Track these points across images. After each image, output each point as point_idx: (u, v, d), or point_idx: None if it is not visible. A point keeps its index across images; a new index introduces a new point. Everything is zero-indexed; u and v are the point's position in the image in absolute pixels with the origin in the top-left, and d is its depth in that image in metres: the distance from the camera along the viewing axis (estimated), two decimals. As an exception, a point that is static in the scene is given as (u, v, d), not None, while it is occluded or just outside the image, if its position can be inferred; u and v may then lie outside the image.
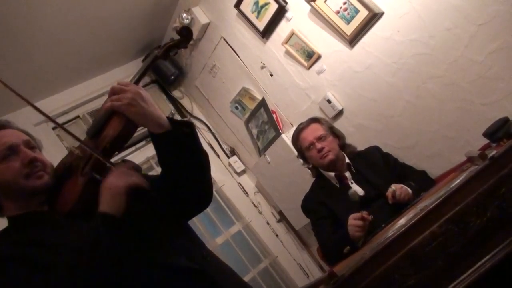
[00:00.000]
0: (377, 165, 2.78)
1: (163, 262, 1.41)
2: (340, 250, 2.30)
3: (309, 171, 3.00)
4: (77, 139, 1.47)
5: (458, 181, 1.36)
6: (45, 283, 1.23)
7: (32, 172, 1.43)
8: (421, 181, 2.60)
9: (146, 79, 4.75)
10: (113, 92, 1.45)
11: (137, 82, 1.59)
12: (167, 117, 1.50)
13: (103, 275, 1.25)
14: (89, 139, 1.52)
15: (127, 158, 1.64)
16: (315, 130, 2.80)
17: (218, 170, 4.49)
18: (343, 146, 2.87)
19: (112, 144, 1.46)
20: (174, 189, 1.52)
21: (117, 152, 1.55)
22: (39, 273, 1.25)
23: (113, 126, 1.47)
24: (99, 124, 1.51)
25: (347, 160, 2.81)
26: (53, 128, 4.04)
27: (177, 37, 1.72)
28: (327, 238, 2.60)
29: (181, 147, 1.50)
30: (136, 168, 1.45)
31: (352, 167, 2.80)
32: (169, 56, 1.67)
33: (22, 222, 1.43)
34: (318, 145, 2.73)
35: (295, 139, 2.89)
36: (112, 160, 1.49)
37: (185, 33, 1.70)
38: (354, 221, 2.27)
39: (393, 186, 2.39)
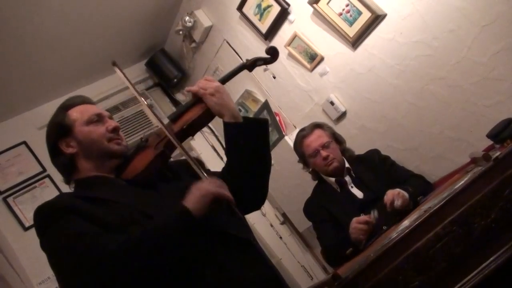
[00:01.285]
0: (376, 169, 2.78)
1: (219, 229, 1.49)
2: (342, 252, 2.32)
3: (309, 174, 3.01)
4: (159, 119, 1.61)
5: (462, 182, 1.36)
6: (98, 236, 1.32)
7: (114, 138, 1.64)
8: (418, 185, 2.58)
9: (149, 82, 4.76)
10: (202, 81, 1.69)
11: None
12: (243, 116, 1.69)
13: (149, 260, 1.31)
14: (169, 122, 1.71)
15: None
16: (319, 137, 2.79)
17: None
18: (344, 150, 2.88)
19: (189, 126, 1.64)
20: (235, 181, 1.59)
21: (191, 137, 1.76)
22: (97, 223, 1.36)
23: (193, 111, 1.67)
24: (181, 109, 1.73)
25: (347, 165, 2.81)
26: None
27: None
28: (329, 241, 2.61)
29: (250, 139, 1.66)
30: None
31: (351, 171, 2.80)
32: (254, 68, 1.88)
33: (89, 182, 1.59)
34: (324, 153, 2.73)
35: (298, 145, 2.88)
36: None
37: (272, 52, 1.92)
38: (358, 224, 2.28)
39: (389, 193, 2.36)
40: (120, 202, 1.46)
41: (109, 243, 1.28)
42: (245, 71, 1.89)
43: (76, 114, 1.65)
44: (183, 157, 1.62)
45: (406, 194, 2.35)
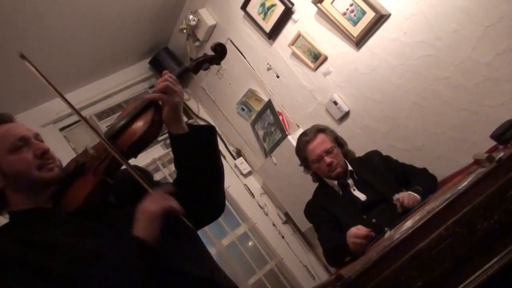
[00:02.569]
0: (378, 170, 2.78)
1: (177, 269, 1.39)
2: (341, 258, 2.31)
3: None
4: (101, 138, 1.44)
5: (465, 183, 1.36)
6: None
7: (44, 164, 1.42)
8: (425, 182, 2.59)
9: (153, 81, 4.76)
10: (167, 82, 1.49)
11: None
12: (187, 123, 1.54)
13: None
14: (108, 139, 1.48)
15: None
16: (323, 143, 2.77)
17: (224, 172, 4.48)
18: (346, 153, 2.87)
19: (132, 147, 1.45)
20: (187, 194, 1.50)
21: (133, 158, 1.52)
22: (39, 276, 1.23)
23: (142, 122, 1.47)
24: (128, 118, 1.50)
25: (349, 168, 2.81)
26: (60, 130, 4.06)
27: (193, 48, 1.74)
28: (329, 244, 2.61)
29: (199, 150, 1.53)
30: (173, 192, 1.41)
31: (354, 174, 2.79)
32: (199, 71, 1.66)
33: (26, 217, 1.40)
34: (328, 160, 2.71)
35: (301, 150, 2.85)
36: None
37: (220, 49, 1.69)
38: (357, 239, 2.22)
39: (400, 196, 2.35)
40: (64, 243, 1.31)
41: None
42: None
43: None
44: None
45: (417, 196, 2.36)
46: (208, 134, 1.57)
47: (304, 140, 2.82)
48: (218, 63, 1.72)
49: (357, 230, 2.24)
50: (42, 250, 1.28)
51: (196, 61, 1.65)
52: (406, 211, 2.29)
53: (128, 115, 1.51)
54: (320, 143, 2.76)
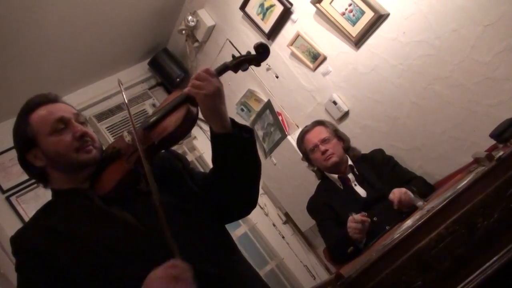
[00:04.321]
0: (380, 168, 2.79)
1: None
2: (344, 250, 2.33)
3: (314, 173, 3.01)
4: (134, 127, 1.46)
5: (465, 182, 1.36)
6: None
7: (82, 146, 1.47)
8: (420, 187, 2.58)
9: (152, 82, 4.77)
10: (198, 78, 1.44)
11: None
12: (231, 119, 1.50)
13: None
14: (142, 130, 1.50)
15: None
16: (320, 133, 2.82)
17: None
18: (347, 149, 2.89)
19: (163, 141, 1.46)
20: (221, 190, 1.53)
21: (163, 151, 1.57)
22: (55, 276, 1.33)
23: (175, 117, 1.45)
24: (159, 114, 1.49)
25: (350, 162, 2.82)
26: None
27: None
28: (332, 239, 2.62)
29: (239, 151, 1.50)
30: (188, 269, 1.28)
31: (355, 169, 2.80)
32: (238, 70, 1.59)
33: (64, 197, 1.50)
34: (322, 147, 2.75)
35: (300, 141, 2.92)
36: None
37: (261, 50, 1.58)
38: (353, 223, 2.30)
39: (396, 191, 2.36)
40: (89, 238, 1.38)
41: None
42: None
43: (37, 123, 1.48)
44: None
45: (411, 194, 2.36)
46: (246, 135, 1.51)
47: (303, 131, 2.90)
48: (258, 65, 1.62)
49: (355, 216, 2.29)
50: (67, 243, 1.37)
51: (237, 59, 1.58)
52: (401, 208, 2.29)
53: (163, 109, 1.50)
54: (317, 133, 2.81)
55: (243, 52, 1.60)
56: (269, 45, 1.62)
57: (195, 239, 1.47)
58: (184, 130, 1.48)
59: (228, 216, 1.66)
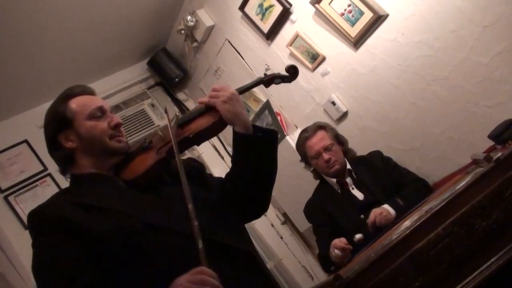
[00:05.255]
0: (377, 170, 2.79)
1: (218, 242, 1.43)
2: (327, 267, 2.40)
3: (311, 173, 3.01)
4: (169, 122, 1.60)
5: (464, 183, 1.36)
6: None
7: (116, 135, 1.58)
8: (413, 197, 2.53)
9: (151, 81, 4.76)
10: (214, 90, 1.62)
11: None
12: (253, 125, 1.63)
13: None
14: (176, 127, 1.64)
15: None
16: (322, 139, 2.79)
17: (223, 172, 4.45)
18: (346, 152, 2.88)
19: (195, 136, 1.59)
20: (236, 191, 1.61)
21: (196, 146, 1.71)
22: (86, 247, 1.33)
23: (204, 120, 1.62)
24: (191, 115, 1.66)
25: (348, 166, 2.81)
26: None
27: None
28: (322, 250, 2.65)
29: (259, 152, 1.63)
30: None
31: (353, 173, 2.80)
32: (270, 85, 1.85)
33: (88, 180, 1.54)
34: (326, 156, 2.74)
35: (301, 146, 2.88)
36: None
37: (292, 71, 1.87)
38: (334, 250, 2.33)
39: (372, 214, 2.42)
40: (117, 209, 1.41)
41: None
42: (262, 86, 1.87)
43: (78, 106, 1.57)
44: (185, 157, 1.61)
45: (391, 213, 2.41)
46: (270, 138, 1.66)
47: (304, 136, 2.85)
48: (289, 82, 1.91)
49: (338, 242, 2.32)
50: (97, 213, 1.39)
51: (269, 76, 1.83)
52: (379, 230, 2.31)
53: (191, 114, 1.68)
54: (320, 140, 2.78)
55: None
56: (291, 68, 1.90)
57: (221, 221, 1.52)
58: (214, 129, 1.63)
59: (243, 216, 1.72)
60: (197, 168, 1.74)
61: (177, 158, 1.49)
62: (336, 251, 2.31)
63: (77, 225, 1.35)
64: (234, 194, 1.61)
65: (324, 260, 2.57)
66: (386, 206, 2.47)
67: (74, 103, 1.58)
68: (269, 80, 1.83)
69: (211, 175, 1.82)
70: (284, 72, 1.88)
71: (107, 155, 1.57)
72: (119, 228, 1.36)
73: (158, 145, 1.61)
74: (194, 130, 1.60)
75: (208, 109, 1.63)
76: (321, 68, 3.40)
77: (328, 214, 2.75)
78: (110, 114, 1.62)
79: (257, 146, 1.62)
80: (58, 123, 1.57)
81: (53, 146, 1.59)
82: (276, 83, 1.84)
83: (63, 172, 1.62)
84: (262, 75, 1.83)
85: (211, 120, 1.60)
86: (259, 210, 1.77)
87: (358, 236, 2.36)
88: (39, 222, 1.41)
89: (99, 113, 1.59)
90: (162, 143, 1.60)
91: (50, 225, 1.37)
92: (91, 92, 1.67)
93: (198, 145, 1.69)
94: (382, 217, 2.36)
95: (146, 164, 1.56)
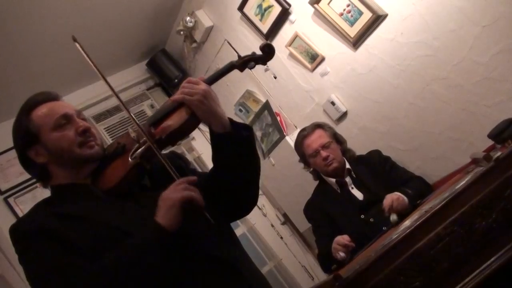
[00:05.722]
0: (376, 170, 2.79)
1: (195, 250, 1.42)
2: (328, 265, 2.37)
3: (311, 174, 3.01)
4: (137, 123, 1.48)
5: (463, 182, 1.36)
6: (72, 259, 1.29)
7: (85, 142, 1.50)
8: (417, 187, 2.58)
9: (150, 82, 4.76)
10: (188, 83, 1.52)
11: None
12: (229, 119, 1.54)
13: (133, 278, 1.27)
14: (148, 126, 1.55)
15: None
16: (320, 138, 2.80)
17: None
18: (344, 151, 2.88)
19: (169, 136, 1.50)
20: (222, 189, 1.54)
21: (170, 146, 1.60)
22: (70, 248, 1.30)
23: (176, 118, 1.51)
24: (162, 113, 1.56)
25: (347, 166, 2.81)
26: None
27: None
28: (320, 249, 2.64)
29: (239, 149, 1.53)
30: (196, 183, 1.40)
31: (352, 172, 2.80)
32: (245, 68, 1.68)
33: (65, 191, 1.49)
34: (324, 154, 2.74)
35: (299, 145, 2.89)
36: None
37: (267, 50, 1.68)
38: (336, 246, 2.31)
39: (388, 197, 2.36)
40: (96, 219, 1.39)
41: (83, 274, 1.25)
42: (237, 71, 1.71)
43: (40, 119, 1.49)
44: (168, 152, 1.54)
45: (405, 199, 2.35)
46: (245, 133, 1.55)
47: (302, 135, 2.86)
48: (264, 64, 1.72)
49: (341, 238, 2.31)
50: (75, 223, 1.35)
51: (243, 58, 1.66)
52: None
53: (163, 110, 1.58)
54: (317, 138, 2.79)
55: (242, 53, 1.66)
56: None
57: (202, 226, 1.46)
58: (189, 127, 1.53)
59: (229, 215, 1.67)
60: (180, 166, 1.64)
61: (161, 159, 1.42)
62: (341, 253, 2.30)
63: (57, 234, 1.32)
64: (220, 193, 1.54)
65: (324, 259, 2.56)
66: (397, 193, 2.42)
67: (37, 116, 1.50)
68: (243, 63, 1.66)
69: (194, 170, 1.77)
70: (259, 52, 1.70)
71: (80, 164, 1.50)
72: (98, 238, 1.34)
73: (131, 148, 1.51)
74: (167, 129, 1.50)
75: (180, 104, 1.52)
76: (320, 68, 3.40)
77: (327, 214, 2.75)
78: (76, 119, 1.52)
79: (237, 143, 1.52)
80: (24, 139, 1.51)
81: (25, 162, 1.54)
82: (251, 67, 1.67)
83: (43, 185, 1.57)
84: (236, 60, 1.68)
85: (184, 117, 1.50)
86: (247, 206, 1.70)
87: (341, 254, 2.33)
88: (20, 239, 1.39)
89: (64, 120, 1.50)
90: (136, 145, 1.51)
91: (31, 239, 1.35)
92: (54, 98, 1.57)
93: (173, 145, 1.63)
94: (399, 202, 2.31)
95: (120, 172, 1.48)
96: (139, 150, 1.48)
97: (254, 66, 1.67)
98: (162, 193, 1.36)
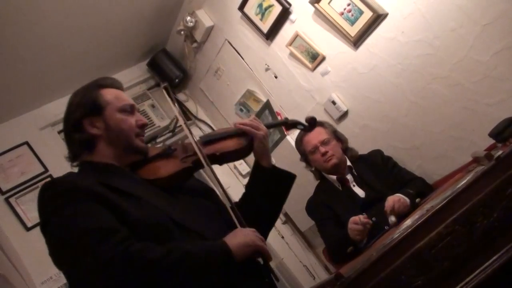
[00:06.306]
0: (378, 168, 2.79)
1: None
2: (343, 250, 2.34)
3: (312, 173, 3.01)
4: (194, 140, 1.63)
5: (465, 181, 1.36)
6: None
7: (140, 134, 1.63)
8: (419, 187, 2.58)
9: (151, 82, 4.76)
10: (254, 122, 1.78)
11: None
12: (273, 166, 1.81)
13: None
14: (201, 142, 1.72)
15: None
16: (319, 134, 2.81)
17: (223, 173, 4.48)
18: (346, 149, 2.89)
19: (222, 155, 1.69)
20: (250, 212, 1.66)
21: (218, 165, 1.75)
22: (121, 217, 1.34)
23: (232, 142, 1.74)
24: (218, 135, 1.78)
25: (348, 163, 2.82)
26: (59, 132, 4.05)
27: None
28: (332, 238, 2.62)
29: (275, 186, 1.79)
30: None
31: (353, 170, 2.80)
32: (291, 129, 2.10)
33: (110, 169, 1.54)
34: (322, 149, 2.75)
35: (299, 142, 2.90)
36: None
37: (312, 122, 2.08)
38: (353, 225, 2.32)
39: (390, 199, 2.36)
40: (148, 200, 1.43)
41: (148, 251, 1.27)
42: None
43: (111, 97, 1.60)
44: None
45: (407, 200, 2.35)
46: (287, 180, 1.84)
47: (302, 132, 2.86)
48: (306, 131, 2.40)
49: (356, 218, 2.30)
50: (126, 197, 1.41)
51: (292, 121, 2.06)
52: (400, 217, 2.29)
53: (221, 133, 1.79)
54: (317, 135, 2.80)
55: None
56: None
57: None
58: (241, 153, 1.76)
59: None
60: (210, 188, 1.81)
61: (210, 170, 1.57)
62: (355, 226, 2.32)
63: (108, 201, 1.34)
64: (245, 214, 1.63)
65: (338, 246, 2.53)
66: (399, 194, 2.42)
67: (108, 93, 1.60)
68: (291, 125, 2.06)
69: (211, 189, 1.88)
70: (304, 121, 2.07)
71: (130, 152, 1.59)
72: (150, 219, 1.38)
73: (181, 155, 1.66)
74: (223, 149, 1.70)
75: (238, 134, 1.75)
76: (321, 68, 3.40)
77: (331, 209, 2.75)
78: (137, 114, 1.65)
79: (278, 183, 1.79)
80: (87, 108, 1.57)
81: (75, 128, 1.57)
82: (298, 128, 2.08)
83: (73, 157, 1.60)
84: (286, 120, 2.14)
85: (241, 144, 1.72)
86: (267, 229, 1.84)
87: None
88: (67, 191, 1.34)
89: (129, 109, 1.61)
90: (186, 154, 1.66)
91: (80, 195, 1.33)
92: (121, 87, 1.70)
93: (220, 164, 1.75)
94: (400, 204, 2.32)
95: (170, 168, 1.60)
96: (191, 157, 1.64)
97: (295, 129, 2.14)
98: (246, 229, 1.49)
